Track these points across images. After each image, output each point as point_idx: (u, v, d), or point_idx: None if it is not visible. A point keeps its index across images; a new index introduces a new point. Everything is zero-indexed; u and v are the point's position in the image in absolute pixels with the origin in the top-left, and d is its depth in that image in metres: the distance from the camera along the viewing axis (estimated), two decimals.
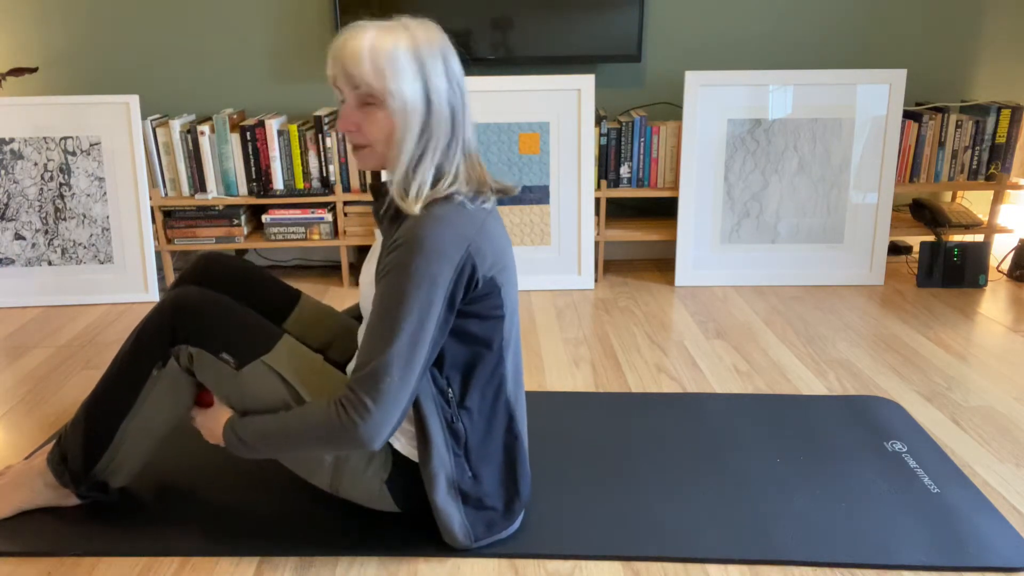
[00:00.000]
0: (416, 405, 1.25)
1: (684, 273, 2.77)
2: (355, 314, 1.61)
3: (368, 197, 2.71)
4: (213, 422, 1.34)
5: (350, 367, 1.43)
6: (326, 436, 1.20)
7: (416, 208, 1.18)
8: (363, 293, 1.31)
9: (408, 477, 1.32)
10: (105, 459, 1.38)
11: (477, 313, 1.25)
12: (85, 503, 1.46)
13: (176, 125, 2.66)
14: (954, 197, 3.05)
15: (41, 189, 2.59)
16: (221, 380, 1.29)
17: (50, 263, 2.64)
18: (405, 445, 1.32)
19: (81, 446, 1.37)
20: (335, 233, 2.78)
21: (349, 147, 1.23)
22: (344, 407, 1.17)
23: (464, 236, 1.19)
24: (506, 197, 1.30)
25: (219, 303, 1.32)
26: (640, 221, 2.96)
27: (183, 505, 1.50)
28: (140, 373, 1.32)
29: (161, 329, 1.30)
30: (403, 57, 1.14)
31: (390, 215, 1.24)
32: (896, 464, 1.61)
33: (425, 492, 1.31)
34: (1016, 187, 2.77)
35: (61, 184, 2.59)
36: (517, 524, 1.39)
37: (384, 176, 1.26)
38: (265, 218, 2.73)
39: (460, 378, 1.29)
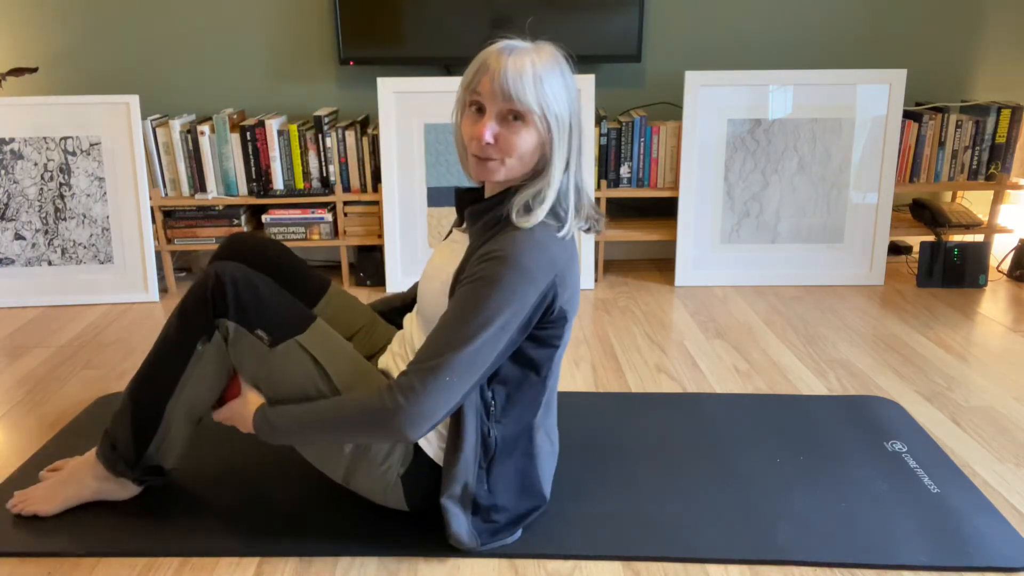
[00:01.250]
0: (458, 411, 1.27)
1: (684, 273, 2.77)
2: (383, 306, 1.63)
3: (368, 197, 2.72)
4: (243, 408, 1.34)
5: (381, 360, 1.45)
6: (367, 417, 1.21)
7: (528, 223, 1.21)
8: (427, 285, 1.32)
9: (424, 477, 1.33)
10: (156, 440, 1.39)
11: (539, 339, 1.27)
12: (142, 490, 1.47)
13: (176, 125, 2.66)
14: (954, 197, 3.05)
15: (41, 189, 2.59)
16: (254, 356, 1.30)
17: (50, 263, 2.64)
18: (434, 447, 1.33)
19: (131, 431, 1.38)
20: (335, 233, 2.78)
21: (468, 158, 1.26)
22: (393, 390, 1.19)
23: (555, 263, 1.22)
24: (596, 231, 1.35)
25: (257, 279, 1.33)
26: (640, 221, 2.96)
27: (183, 505, 1.49)
28: (186, 349, 1.33)
29: (201, 302, 1.31)
30: (564, 86, 1.21)
31: (488, 220, 1.26)
32: (896, 464, 1.61)
33: (435, 494, 1.32)
34: (1016, 187, 2.77)
35: (61, 184, 2.60)
36: (520, 532, 1.39)
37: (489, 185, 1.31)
38: (265, 218, 2.73)
39: (504, 395, 1.30)
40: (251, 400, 1.34)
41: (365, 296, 2.72)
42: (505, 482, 1.34)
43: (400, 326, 1.53)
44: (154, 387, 1.37)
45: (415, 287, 1.59)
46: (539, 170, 1.24)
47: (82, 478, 1.45)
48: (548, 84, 1.18)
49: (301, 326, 1.31)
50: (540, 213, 1.22)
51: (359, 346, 1.52)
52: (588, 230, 1.33)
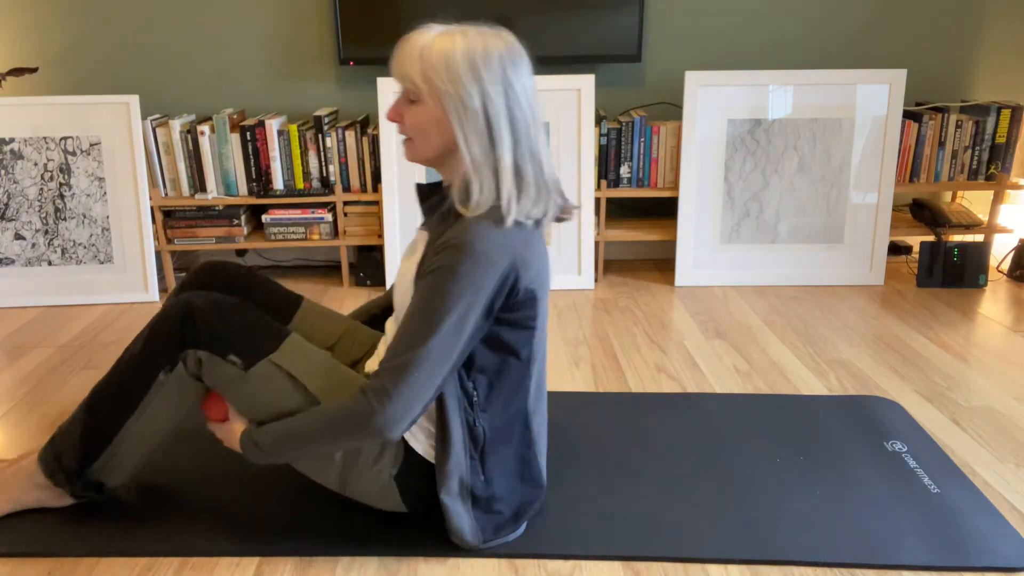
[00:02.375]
0: (440, 405, 1.27)
1: (684, 273, 2.77)
2: (363, 316, 1.62)
3: (368, 197, 2.72)
4: (229, 434, 1.36)
5: (368, 364, 1.45)
6: (346, 423, 1.21)
7: (473, 211, 1.21)
8: (399, 285, 1.32)
9: (419, 476, 1.33)
10: (103, 458, 1.38)
11: (511, 321, 1.27)
12: (79, 503, 1.45)
13: (176, 125, 2.66)
14: (954, 197, 3.05)
15: (41, 189, 2.59)
16: (230, 382, 1.30)
17: (50, 263, 2.64)
18: (423, 444, 1.32)
19: (79, 444, 1.37)
20: (335, 233, 2.78)
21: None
22: (366, 393, 1.19)
23: (513, 245, 1.21)
24: (567, 220, 1.34)
25: (225, 305, 1.33)
26: (640, 221, 2.96)
27: (183, 505, 1.49)
28: (148, 375, 1.33)
29: (171, 333, 1.31)
30: (457, 60, 1.17)
31: (440, 214, 1.26)
32: (896, 464, 1.61)
33: (432, 493, 1.32)
34: (1016, 187, 2.77)
35: (61, 184, 2.59)
36: (523, 527, 1.39)
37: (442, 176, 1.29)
38: (265, 218, 2.73)
39: (486, 383, 1.30)
40: (236, 426, 1.34)
41: (365, 296, 2.72)
42: (503, 471, 1.34)
43: (384, 330, 1.53)
44: (111, 406, 1.36)
45: (391, 291, 1.59)
46: (451, 150, 1.23)
47: (23, 484, 1.43)
48: (439, 61, 1.17)
49: (273, 344, 1.31)
50: (479, 199, 1.21)
51: (342, 355, 1.52)
52: (560, 220, 1.32)
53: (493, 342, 1.27)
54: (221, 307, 1.32)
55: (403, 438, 1.32)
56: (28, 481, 1.43)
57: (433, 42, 1.19)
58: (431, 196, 1.31)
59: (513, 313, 1.26)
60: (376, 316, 1.62)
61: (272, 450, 1.28)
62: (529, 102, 1.23)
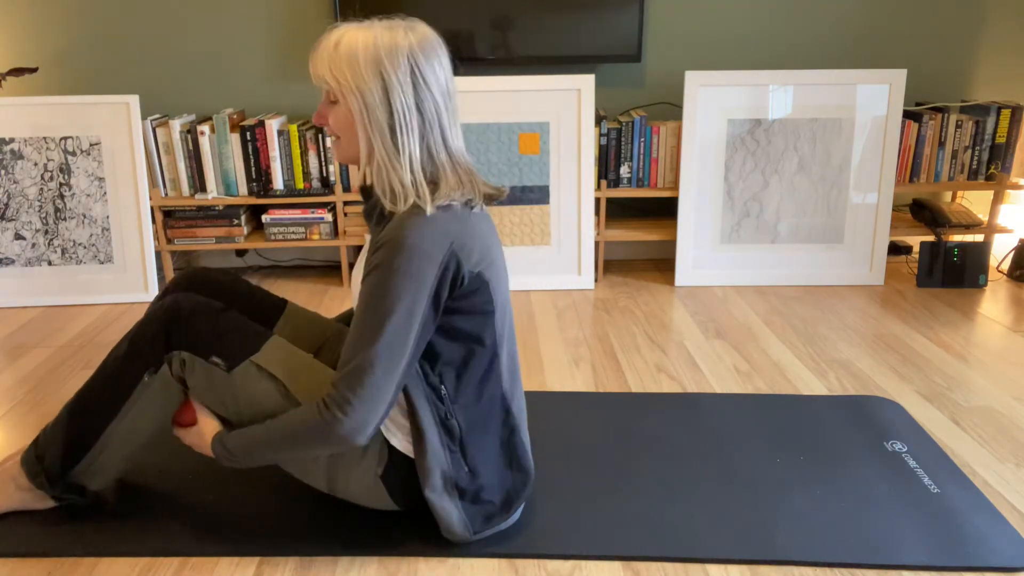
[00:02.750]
0: (409, 403, 1.26)
1: (684, 273, 2.77)
2: (348, 319, 1.62)
3: None
4: (199, 438, 1.35)
5: None
6: (311, 435, 1.21)
7: (400, 207, 1.20)
8: (355, 293, 1.32)
9: (404, 473, 1.33)
10: (86, 461, 1.37)
11: (465, 309, 1.25)
12: (60, 505, 1.44)
13: (176, 125, 2.66)
14: (954, 197, 3.05)
15: (41, 189, 2.59)
16: (213, 384, 1.30)
17: (50, 263, 2.64)
18: (402, 441, 1.32)
19: (62, 447, 1.37)
20: (335, 233, 2.78)
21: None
22: (327, 404, 1.19)
23: (447, 233, 1.20)
24: (498, 200, 1.32)
25: (210, 308, 1.33)
26: (640, 221, 2.96)
27: (183, 505, 1.50)
28: (131, 377, 1.33)
29: (156, 335, 1.31)
30: (360, 56, 1.17)
31: (377, 214, 1.27)
32: (896, 464, 1.61)
33: (419, 489, 1.31)
34: (1016, 187, 2.77)
35: (61, 184, 2.59)
36: (517, 516, 1.39)
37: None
38: (265, 218, 2.73)
39: (454, 375, 1.29)
40: (207, 428, 1.34)
41: None
42: (487, 459, 1.33)
43: None
44: (94, 409, 1.36)
45: None
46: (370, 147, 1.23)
47: (5, 486, 1.43)
48: (344, 60, 1.18)
49: (255, 345, 1.31)
50: (399, 193, 1.20)
51: (328, 357, 1.51)
52: (488, 202, 1.30)
53: (452, 332, 1.26)
54: (206, 310, 1.32)
55: (384, 437, 1.32)
56: (11, 483, 1.43)
57: (340, 40, 1.19)
58: (370, 197, 1.30)
59: (464, 300, 1.24)
60: None
61: (241, 456, 1.29)
62: (442, 94, 1.22)
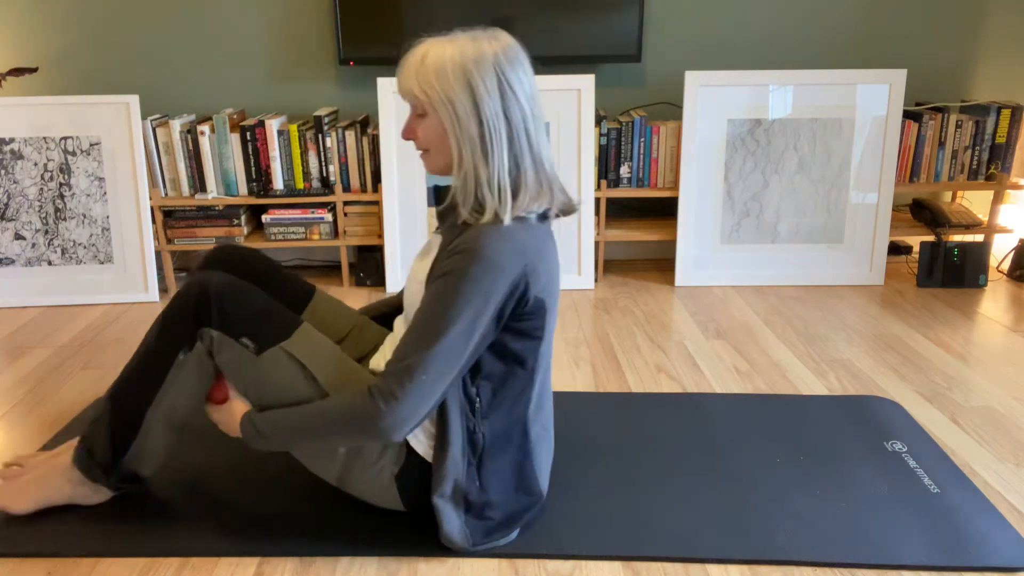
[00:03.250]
0: (442, 408, 1.27)
1: (684, 273, 2.77)
2: (373, 312, 1.63)
3: (368, 197, 2.72)
4: (229, 416, 1.35)
5: (373, 361, 1.45)
6: (351, 421, 1.21)
7: (481, 218, 1.21)
8: (409, 287, 1.33)
9: (418, 476, 1.33)
10: (134, 448, 1.38)
11: (519, 331, 1.27)
12: (117, 495, 1.46)
13: (176, 125, 2.66)
14: (954, 197, 3.05)
15: (41, 189, 2.59)
16: (240, 365, 1.30)
17: (50, 263, 2.64)
18: (424, 444, 1.32)
19: (109, 437, 1.38)
20: (335, 233, 2.78)
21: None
22: (373, 394, 1.19)
23: (524, 253, 1.21)
24: (571, 214, 1.35)
25: (242, 288, 1.33)
26: (640, 221, 2.96)
27: (183, 505, 1.50)
28: (167, 358, 1.34)
29: (186, 312, 1.31)
30: (448, 68, 1.19)
31: (454, 218, 1.27)
32: (896, 464, 1.61)
33: (430, 493, 1.31)
34: (1016, 187, 2.77)
35: (61, 184, 2.59)
36: (515, 534, 1.39)
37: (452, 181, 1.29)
38: (265, 218, 2.73)
39: (490, 390, 1.30)
40: (237, 407, 1.34)
41: (365, 296, 2.72)
42: (499, 478, 1.34)
43: (392, 328, 1.53)
44: (134, 395, 1.37)
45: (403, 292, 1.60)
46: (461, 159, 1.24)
47: (56, 481, 1.44)
48: (433, 74, 1.19)
49: (287, 332, 1.31)
50: (484, 203, 1.21)
51: (349, 349, 1.52)
52: (560, 215, 1.32)
53: (499, 350, 1.27)
54: (236, 289, 1.32)
55: (405, 439, 1.32)
56: (63, 478, 1.43)
57: (427, 54, 1.20)
58: (446, 200, 1.31)
59: (521, 322, 1.26)
60: (386, 314, 1.62)
61: (272, 437, 1.28)
62: (528, 100, 1.24)
